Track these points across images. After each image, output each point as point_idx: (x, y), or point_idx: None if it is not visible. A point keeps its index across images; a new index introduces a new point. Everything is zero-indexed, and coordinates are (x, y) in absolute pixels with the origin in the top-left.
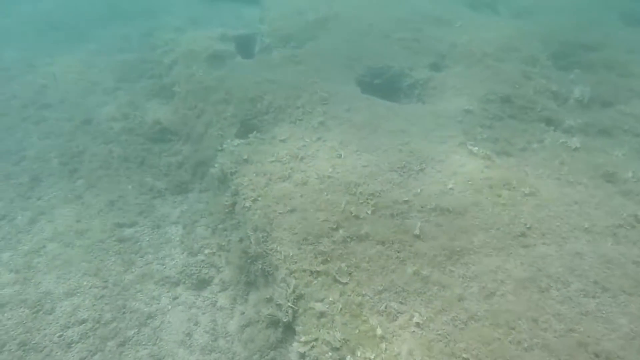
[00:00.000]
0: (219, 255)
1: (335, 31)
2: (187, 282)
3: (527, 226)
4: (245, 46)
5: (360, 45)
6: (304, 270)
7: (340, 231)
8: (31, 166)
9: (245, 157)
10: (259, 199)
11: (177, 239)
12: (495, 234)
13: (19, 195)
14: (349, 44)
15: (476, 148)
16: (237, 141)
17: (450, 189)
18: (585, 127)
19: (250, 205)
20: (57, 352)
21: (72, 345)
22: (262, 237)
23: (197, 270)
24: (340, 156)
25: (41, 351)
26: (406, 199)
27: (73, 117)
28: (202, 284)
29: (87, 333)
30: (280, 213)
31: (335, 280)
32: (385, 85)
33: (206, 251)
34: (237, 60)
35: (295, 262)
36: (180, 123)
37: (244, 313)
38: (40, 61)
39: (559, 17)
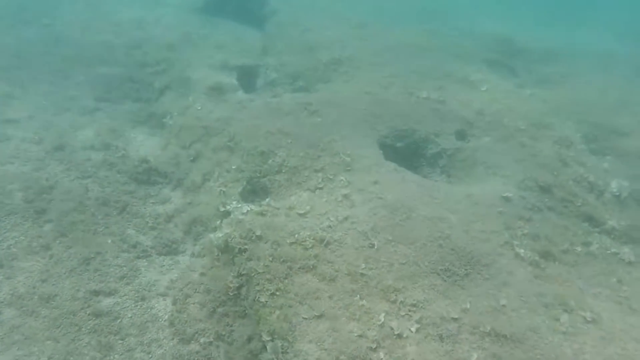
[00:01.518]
0: (217, 346)
1: (352, 78)
2: None
3: None
4: (247, 78)
5: (381, 100)
6: None
7: (382, 354)
8: None
9: (258, 232)
10: (278, 293)
11: (166, 317)
12: None
13: None
14: (370, 97)
15: (522, 250)
16: (245, 207)
17: (503, 306)
18: (629, 231)
19: (267, 302)
20: None
21: None
22: (282, 347)
23: None
24: (373, 246)
25: None
26: (455, 316)
27: (43, 140)
28: None
29: None
30: (304, 318)
31: None
32: (407, 150)
33: (202, 339)
34: (239, 96)
35: None
36: (171, 163)
37: None
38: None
39: (585, 92)
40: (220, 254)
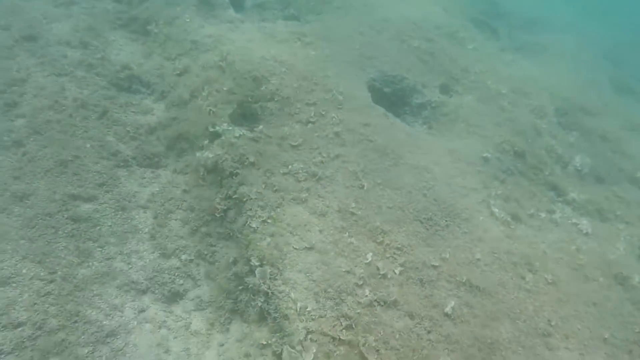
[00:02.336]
0: (197, 264)
1: (345, 14)
2: (156, 292)
3: (552, 323)
4: None
5: (374, 44)
6: (325, 335)
7: (367, 291)
8: None
9: (252, 159)
10: (269, 221)
11: (147, 230)
12: (522, 327)
13: None
14: (363, 38)
15: (496, 210)
16: (238, 130)
17: (478, 259)
18: (587, 204)
19: (258, 227)
20: None
21: (2, 357)
22: (271, 273)
23: (169, 278)
24: (362, 187)
25: None
26: (435, 263)
27: (10, 25)
28: (174, 297)
29: (23, 342)
30: (295, 248)
31: (362, 357)
32: (394, 96)
33: (183, 256)
34: (229, 14)
35: (313, 320)
36: (155, 74)
37: (223, 345)
38: None
39: (560, 66)
40: (206, 174)
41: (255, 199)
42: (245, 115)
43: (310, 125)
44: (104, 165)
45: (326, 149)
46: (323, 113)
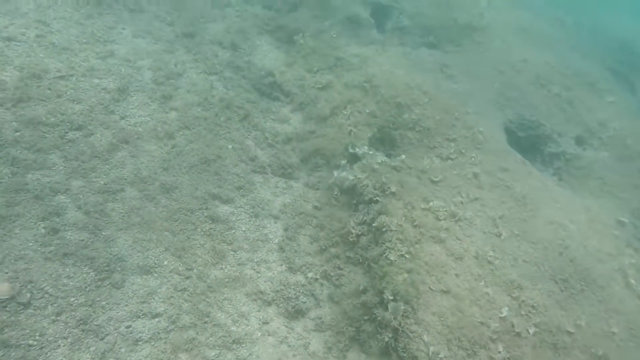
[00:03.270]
0: (322, 285)
1: (485, 50)
2: (281, 305)
3: None
4: (378, 16)
5: (513, 83)
6: None
7: (500, 347)
8: (118, 71)
9: (393, 189)
10: (407, 256)
11: (276, 241)
12: None
13: (98, 103)
14: (503, 77)
15: (633, 281)
16: (379, 156)
17: (613, 332)
18: None
19: (396, 261)
20: (120, 347)
21: (140, 344)
22: (404, 310)
23: (294, 294)
24: (499, 235)
25: (102, 339)
26: (570, 329)
27: (174, 22)
28: (297, 313)
29: (159, 334)
30: (431, 289)
31: None
32: (527, 141)
33: (309, 274)
34: (373, 35)
35: None
36: (296, 84)
37: None
38: None
39: None
40: (339, 194)
41: (396, 231)
42: (384, 141)
43: (449, 161)
44: (242, 169)
45: (465, 189)
46: (463, 151)
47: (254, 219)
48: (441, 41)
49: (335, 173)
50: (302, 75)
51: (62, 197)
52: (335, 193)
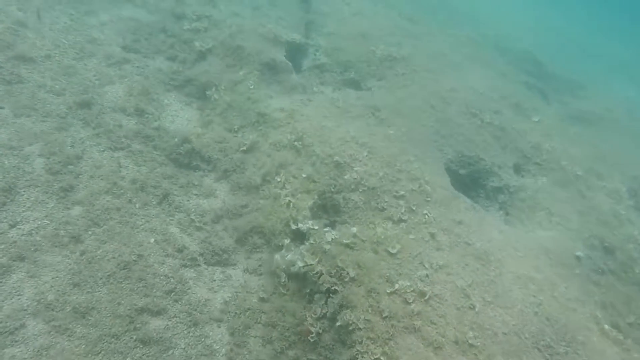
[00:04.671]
0: None
1: (410, 82)
2: None
3: None
4: (294, 55)
5: (446, 119)
6: None
7: None
8: (0, 164)
9: (352, 273)
10: (383, 359)
11: (223, 351)
12: None
13: None
14: (435, 112)
15: (606, 326)
16: (327, 232)
17: None
18: None
19: None
20: None
21: None
22: None
23: None
24: (473, 308)
25: None
26: None
27: (64, 91)
28: None
29: None
30: None
31: None
32: (468, 178)
33: None
34: (293, 80)
35: None
36: (216, 148)
37: None
38: None
39: (623, 141)
40: (287, 281)
41: (364, 328)
42: (326, 207)
43: (402, 224)
44: (170, 266)
45: (427, 256)
46: (414, 208)
47: (193, 328)
48: (363, 76)
49: (278, 256)
50: (222, 136)
51: None
52: (283, 280)
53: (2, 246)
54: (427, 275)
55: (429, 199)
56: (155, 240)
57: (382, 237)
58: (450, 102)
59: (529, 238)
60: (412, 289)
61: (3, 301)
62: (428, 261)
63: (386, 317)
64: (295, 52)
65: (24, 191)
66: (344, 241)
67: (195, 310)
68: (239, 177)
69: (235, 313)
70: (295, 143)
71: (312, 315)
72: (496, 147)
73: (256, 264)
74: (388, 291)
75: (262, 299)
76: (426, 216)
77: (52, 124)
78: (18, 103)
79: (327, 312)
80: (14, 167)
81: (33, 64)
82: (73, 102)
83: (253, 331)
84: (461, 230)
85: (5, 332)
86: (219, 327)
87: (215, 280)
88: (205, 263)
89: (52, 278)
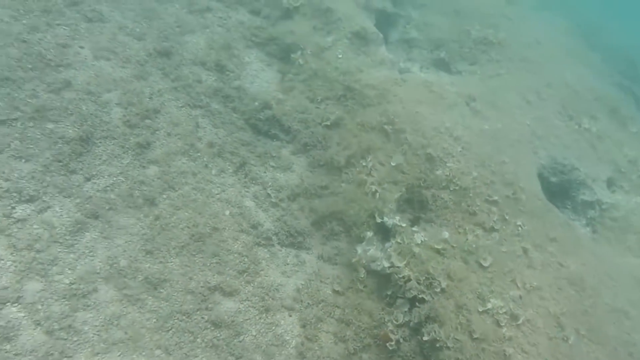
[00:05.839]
0: None
1: (504, 71)
2: None
3: None
4: (382, 25)
5: (543, 117)
6: None
7: None
8: (78, 109)
9: (444, 284)
10: None
11: (294, 343)
12: None
13: (54, 159)
14: (531, 109)
15: None
16: (418, 234)
17: None
18: None
19: None
20: None
21: None
22: None
23: None
24: (566, 340)
25: None
26: None
27: (144, 34)
28: None
29: None
30: None
31: None
32: (557, 186)
33: None
34: (382, 53)
35: None
36: (297, 119)
37: None
38: None
39: None
40: (366, 276)
41: (453, 348)
42: (412, 202)
43: (494, 234)
44: (244, 243)
45: (520, 274)
46: (507, 217)
47: (264, 314)
48: (453, 57)
49: (359, 249)
50: (304, 105)
51: (14, 309)
52: (361, 276)
53: (78, 200)
54: (520, 297)
55: (522, 208)
56: (230, 213)
57: (474, 246)
58: (546, 99)
59: (621, 265)
60: (504, 310)
61: (77, 260)
62: (521, 280)
63: (476, 338)
64: (384, 22)
65: (100, 142)
66: (435, 246)
67: (268, 295)
68: (319, 154)
69: (308, 303)
70: (386, 126)
71: (394, 320)
72: (592, 157)
73: (332, 252)
74: (479, 310)
75: (336, 292)
76: (519, 228)
77: (131, 71)
78: (98, 44)
79: (410, 321)
80: (91, 114)
81: (115, 1)
82: (153, 49)
83: (325, 325)
84: (555, 248)
85: (78, 294)
86: (290, 316)
87: (288, 264)
88: (279, 244)
89: (125, 242)
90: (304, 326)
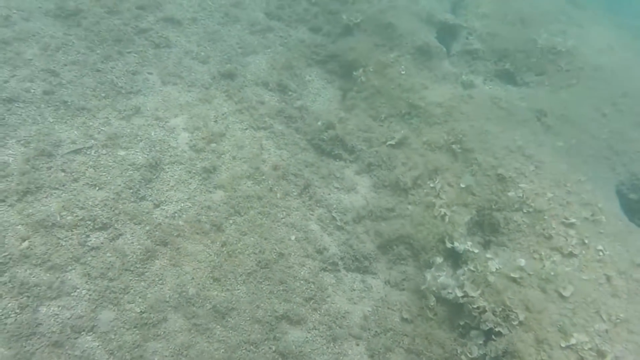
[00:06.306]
0: None
1: (575, 81)
2: None
3: None
4: (443, 36)
5: (618, 130)
6: None
7: None
8: (147, 132)
9: (522, 316)
10: None
11: None
12: None
13: (126, 186)
14: (607, 122)
15: None
16: (493, 262)
17: None
18: None
19: None
20: None
21: None
22: None
23: None
24: None
25: None
26: None
27: (208, 57)
28: None
29: None
30: None
31: None
32: (638, 204)
33: None
34: (445, 68)
35: None
36: (360, 138)
37: None
38: None
39: None
40: (435, 304)
41: None
42: (482, 225)
43: (574, 259)
44: (310, 269)
45: (604, 304)
46: (586, 242)
47: (332, 344)
48: (519, 68)
49: (428, 275)
50: (367, 124)
51: (89, 338)
52: (431, 304)
53: (147, 227)
54: (606, 331)
55: (602, 230)
56: (295, 238)
57: (552, 273)
58: (621, 109)
59: None
60: (589, 346)
61: (147, 288)
62: (606, 311)
63: None
64: (445, 34)
65: (168, 168)
66: (511, 275)
67: (335, 323)
68: (384, 174)
69: (376, 332)
70: (453, 146)
71: (467, 353)
72: None
73: (399, 277)
74: (562, 345)
75: (404, 320)
76: (601, 253)
77: (196, 95)
78: (165, 70)
79: (486, 355)
80: (159, 140)
81: (180, 26)
82: (217, 72)
83: (394, 356)
84: None
85: (149, 323)
86: (358, 345)
87: (355, 290)
88: (345, 268)
89: (193, 269)
90: (372, 356)
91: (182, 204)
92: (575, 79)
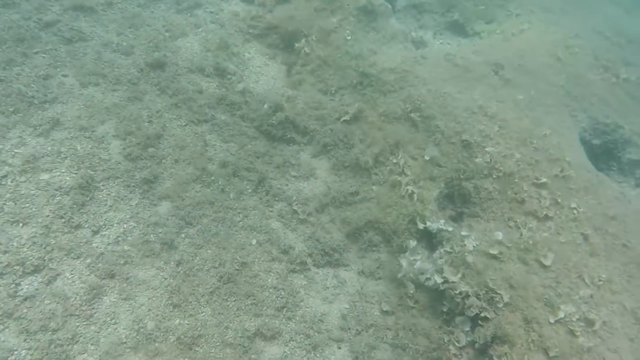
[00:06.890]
0: None
1: (526, 25)
2: None
3: None
4: None
5: (574, 73)
6: None
7: None
8: (72, 147)
9: (506, 298)
10: None
11: None
12: None
13: (55, 216)
14: (562, 66)
15: None
16: (469, 239)
17: None
18: None
19: None
20: None
21: None
22: None
23: None
24: None
25: None
26: None
27: (132, 47)
28: None
29: None
30: None
31: None
32: (600, 148)
33: None
34: (392, 26)
35: None
36: (313, 116)
37: None
38: None
39: None
40: (415, 291)
41: None
42: (452, 197)
43: (549, 223)
44: (277, 274)
45: (585, 267)
46: (559, 201)
47: (312, 353)
48: (468, 17)
49: (404, 261)
50: (317, 100)
51: None
52: (410, 291)
53: (88, 260)
54: (591, 296)
55: (573, 186)
56: (257, 242)
57: (530, 242)
58: (575, 52)
59: None
60: (577, 316)
61: (98, 332)
62: (588, 274)
63: (553, 357)
64: None
65: (103, 185)
66: (490, 251)
67: (312, 329)
68: (343, 154)
69: (357, 330)
70: (412, 114)
71: (455, 342)
72: (636, 110)
73: (373, 266)
74: (551, 321)
75: (385, 312)
76: (575, 211)
77: (124, 93)
78: (83, 69)
79: (475, 342)
80: (88, 154)
81: (93, 14)
82: (144, 63)
83: (380, 353)
84: (616, 228)
85: None
86: (340, 348)
87: (328, 288)
88: (314, 265)
89: (149, 299)
90: (356, 358)
91: (125, 225)
92: (527, 24)
